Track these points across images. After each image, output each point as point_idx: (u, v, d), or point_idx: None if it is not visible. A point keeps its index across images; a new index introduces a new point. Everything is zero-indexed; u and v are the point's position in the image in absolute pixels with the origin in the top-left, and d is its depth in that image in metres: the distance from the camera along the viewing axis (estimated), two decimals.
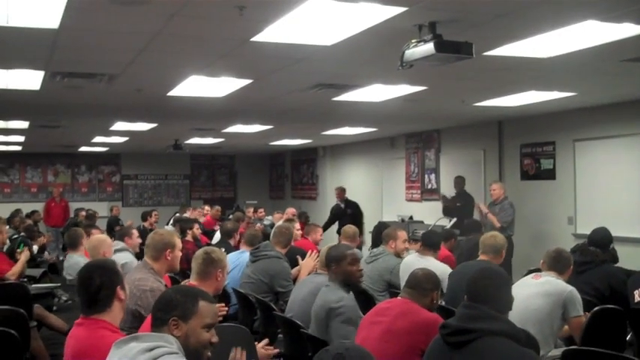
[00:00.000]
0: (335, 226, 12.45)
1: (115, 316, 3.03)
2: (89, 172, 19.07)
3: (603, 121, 9.24)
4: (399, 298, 3.89)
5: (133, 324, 3.84)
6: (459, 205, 10.76)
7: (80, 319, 3.04)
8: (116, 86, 7.19)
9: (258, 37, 5.01)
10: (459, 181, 11.16)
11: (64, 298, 9.01)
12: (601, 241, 5.70)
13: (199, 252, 4.05)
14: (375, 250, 6.53)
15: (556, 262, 4.63)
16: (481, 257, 5.41)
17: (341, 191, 13.13)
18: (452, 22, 4.57)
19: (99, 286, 2.99)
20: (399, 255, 6.40)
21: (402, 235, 6.57)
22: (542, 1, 4.32)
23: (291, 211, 11.73)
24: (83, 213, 14.13)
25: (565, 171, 9.93)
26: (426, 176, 13.28)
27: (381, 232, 7.02)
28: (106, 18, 4.55)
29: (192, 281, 3.95)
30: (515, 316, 4.14)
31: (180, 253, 4.45)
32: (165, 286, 4.22)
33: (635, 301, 4.77)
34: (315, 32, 4.94)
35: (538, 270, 4.87)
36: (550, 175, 10.22)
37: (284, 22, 4.59)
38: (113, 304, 3.01)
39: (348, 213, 12.51)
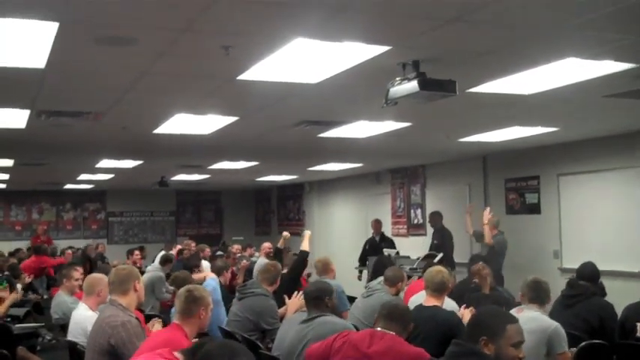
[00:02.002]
0: None
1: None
2: (74, 210, 18.96)
3: (587, 155, 9.34)
4: (379, 330, 3.75)
5: None
6: (436, 243, 10.78)
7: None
8: (102, 125, 7.20)
9: (244, 76, 5.05)
10: (435, 217, 11.18)
11: (48, 338, 8.89)
12: (590, 275, 5.70)
13: (182, 290, 4.01)
14: (371, 284, 6.44)
15: (536, 294, 4.60)
16: (428, 299, 4.97)
17: (377, 223, 12.52)
18: (435, 60, 4.64)
19: None
20: (397, 294, 6.31)
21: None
22: (524, 40, 4.39)
23: (266, 245, 11.61)
24: (69, 252, 14.01)
25: (550, 205, 10.00)
26: (412, 211, 13.31)
27: (382, 265, 6.97)
28: (92, 58, 4.57)
29: (176, 320, 3.91)
30: None
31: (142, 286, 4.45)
32: (137, 319, 4.17)
33: (638, 335, 4.76)
34: (301, 70, 4.99)
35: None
36: (535, 209, 10.28)
37: (269, 61, 4.63)
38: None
39: (381, 247, 12.24)
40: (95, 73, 5.04)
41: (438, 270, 5.12)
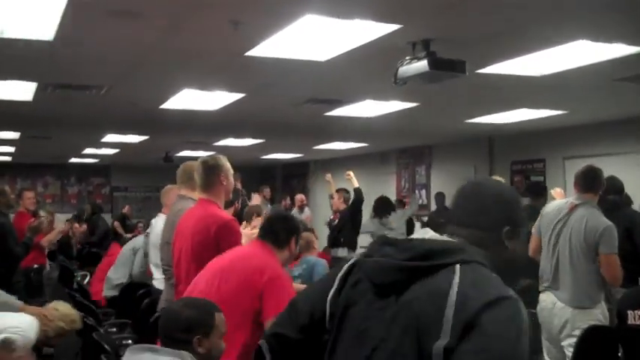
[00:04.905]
0: None
1: None
2: (79, 184, 18.99)
3: (593, 139, 9.31)
4: None
5: None
6: (442, 222, 10.82)
7: None
8: (109, 98, 7.19)
9: (253, 52, 5.03)
10: (439, 198, 11.44)
11: None
12: (618, 187, 5.69)
13: (197, 164, 3.99)
14: None
15: (592, 182, 4.56)
16: None
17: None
18: (445, 40, 4.60)
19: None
20: None
21: None
22: (535, 21, 4.36)
23: (300, 197, 11.57)
24: (77, 226, 13.94)
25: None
26: (417, 192, 13.31)
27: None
28: (101, 30, 4.55)
29: (200, 195, 3.90)
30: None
31: None
32: None
33: (629, 322, 4.76)
34: (310, 48, 4.96)
35: None
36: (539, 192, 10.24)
37: (279, 38, 4.61)
38: None
39: None
40: (103, 46, 5.02)
41: None
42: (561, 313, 4.49)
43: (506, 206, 1.75)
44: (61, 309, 3.96)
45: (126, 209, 15.82)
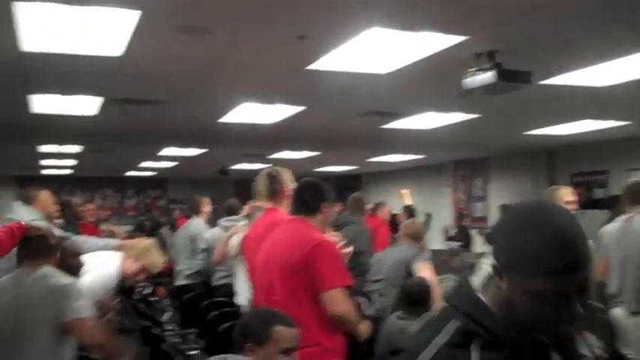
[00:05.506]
0: None
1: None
2: (137, 196, 19.32)
3: None
4: None
5: None
6: None
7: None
8: (170, 113, 7.31)
9: (315, 65, 5.06)
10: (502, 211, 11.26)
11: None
12: None
13: (261, 175, 4.08)
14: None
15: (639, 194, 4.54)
16: None
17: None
18: (510, 51, 4.55)
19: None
20: None
21: None
22: (600, 32, 4.29)
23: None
24: None
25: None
26: (474, 204, 13.16)
27: None
28: (168, 46, 4.64)
29: (267, 206, 3.99)
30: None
31: None
32: None
33: None
34: (372, 60, 4.96)
35: None
36: (603, 204, 10.04)
37: (342, 51, 4.63)
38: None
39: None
40: (169, 61, 5.11)
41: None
42: (634, 325, 4.39)
43: (508, 240, 1.31)
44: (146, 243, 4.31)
45: (176, 214, 15.98)
